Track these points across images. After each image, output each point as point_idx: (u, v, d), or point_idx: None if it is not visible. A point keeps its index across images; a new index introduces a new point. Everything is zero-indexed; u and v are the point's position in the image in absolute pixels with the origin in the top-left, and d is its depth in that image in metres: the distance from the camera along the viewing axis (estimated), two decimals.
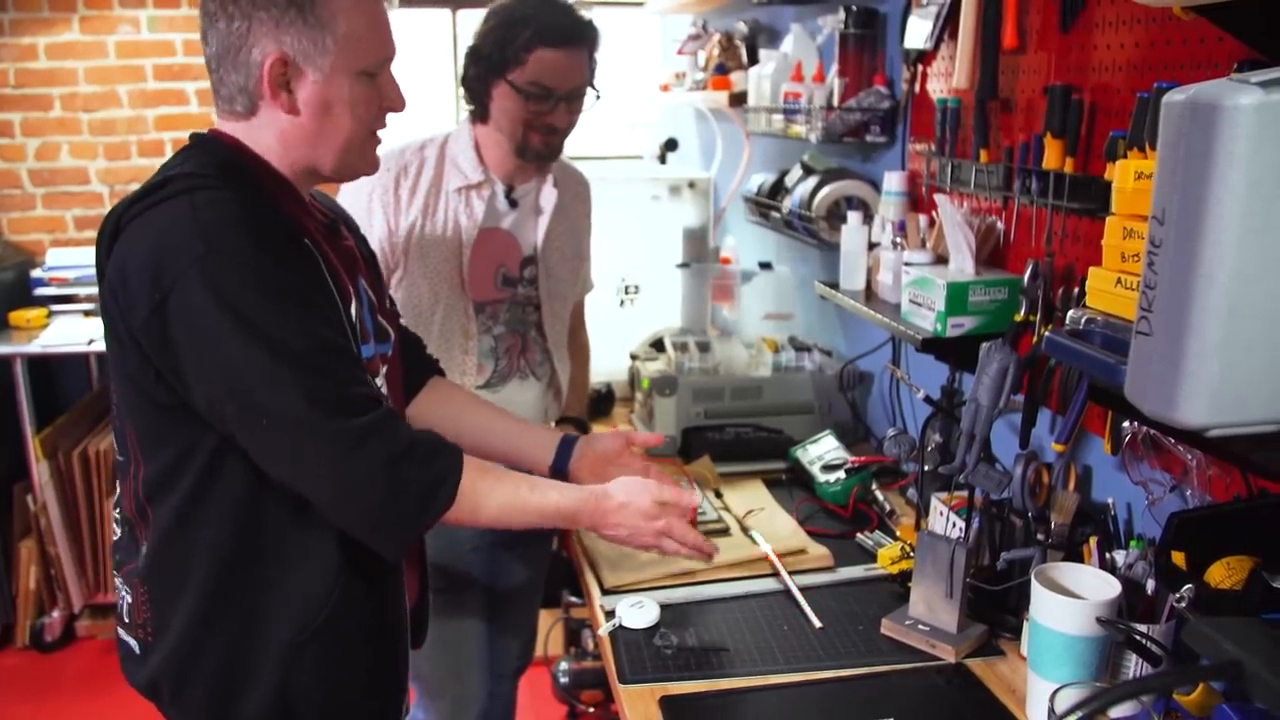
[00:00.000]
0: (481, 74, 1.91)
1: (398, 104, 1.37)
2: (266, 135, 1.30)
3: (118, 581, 1.39)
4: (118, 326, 1.23)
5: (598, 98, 1.98)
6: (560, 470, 1.69)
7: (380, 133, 1.39)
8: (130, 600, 1.37)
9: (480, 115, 1.96)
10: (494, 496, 1.36)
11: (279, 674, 1.31)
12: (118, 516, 1.40)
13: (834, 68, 2.30)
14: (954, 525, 1.70)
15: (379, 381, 1.42)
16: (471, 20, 4.13)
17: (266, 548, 1.29)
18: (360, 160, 1.37)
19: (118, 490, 1.39)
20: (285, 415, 1.19)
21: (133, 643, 1.38)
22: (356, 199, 1.91)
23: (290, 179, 1.33)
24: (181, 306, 1.17)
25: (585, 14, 1.93)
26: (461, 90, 2.00)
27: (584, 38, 1.90)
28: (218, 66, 1.28)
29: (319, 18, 1.25)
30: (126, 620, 1.38)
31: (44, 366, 3.75)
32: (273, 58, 1.24)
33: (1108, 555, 1.41)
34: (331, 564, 1.32)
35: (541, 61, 1.86)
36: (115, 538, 1.41)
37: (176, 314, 1.17)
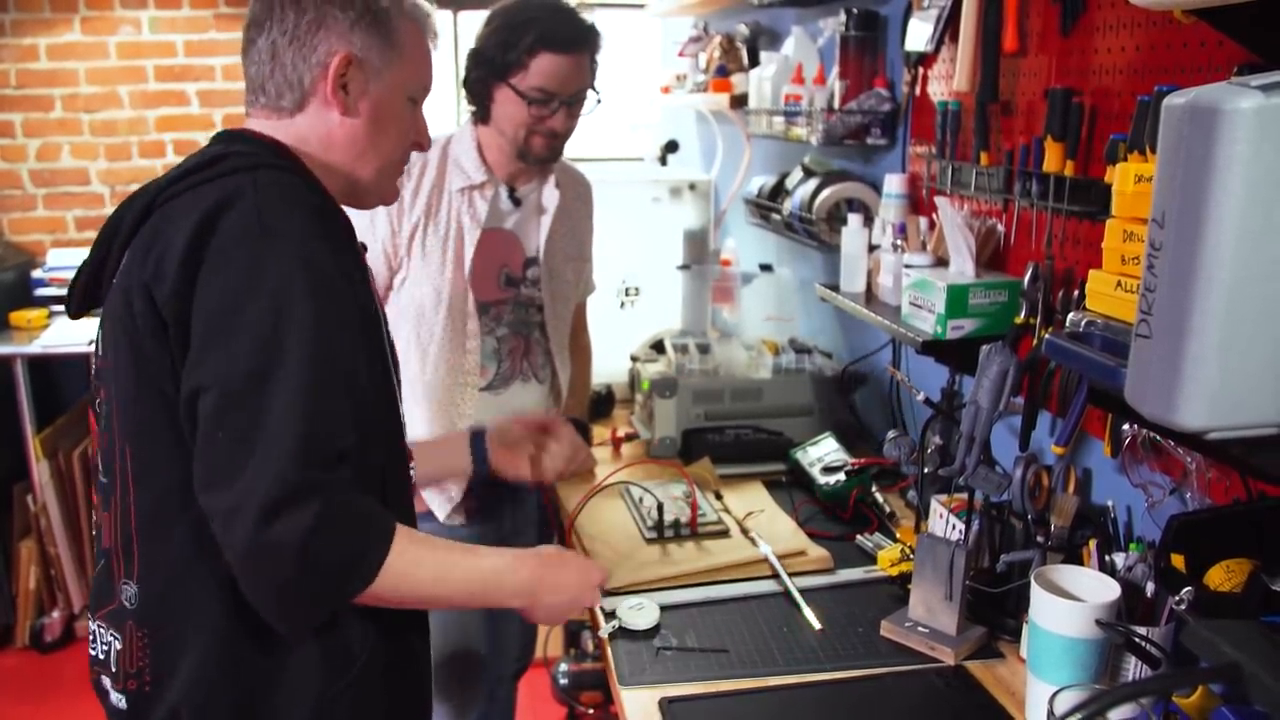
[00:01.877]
0: (484, 77, 1.91)
1: (425, 141, 1.37)
2: (309, 134, 1.26)
3: (94, 626, 1.24)
4: (132, 321, 1.13)
5: (599, 101, 1.98)
6: (483, 472, 1.72)
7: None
8: (120, 645, 1.21)
9: (482, 117, 1.97)
10: (425, 564, 1.19)
11: None
12: (95, 549, 1.26)
13: (835, 70, 2.30)
14: (954, 527, 1.70)
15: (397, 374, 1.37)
16: (473, 22, 4.15)
17: None
18: (390, 184, 1.36)
19: (95, 518, 1.27)
20: (253, 431, 1.05)
21: (119, 698, 1.22)
22: None
23: (323, 183, 1.27)
24: (217, 280, 1.08)
25: (588, 18, 1.93)
26: (463, 92, 2.00)
27: (587, 42, 1.91)
28: (272, 57, 1.23)
29: (389, 32, 1.26)
30: (114, 669, 1.22)
31: (44, 367, 3.75)
32: (342, 55, 1.23)
33: (1107, 558, 1.41)
34: (367, 610, 1.20)
35: (544, 66, 1.86)
36: (94, 572, 1.27)
37: (208, 286, 1.08)
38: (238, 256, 1.09)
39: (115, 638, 1.21)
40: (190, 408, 1.10)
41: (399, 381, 1.35)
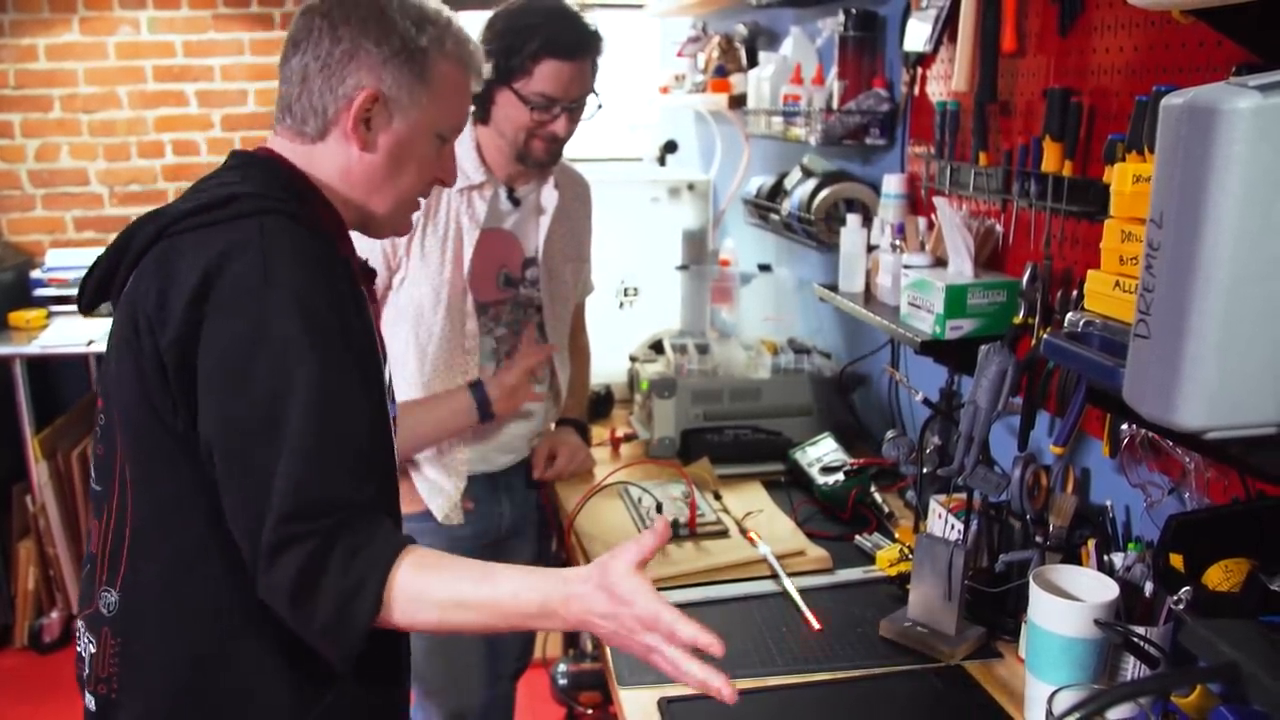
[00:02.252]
0: (486, 81, 1.91)
1: (450, 177, 1.36)
2: (328, 165, 1.25)
3: (79, 625, 1.25)
4: (138, 342, 1.14)
5: (600, 105, 1.99)
6: (489, 416, 1.80)
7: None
8: (94, 650, 1.21)
9: (482, 118, 1.97)
10: (433, 593, 1.13)
11: None
12: (88, 552, 1.26)
13: (833, 70, 2.30)
14: (952, 527, 1.70)
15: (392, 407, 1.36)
16: (473, 23, 4.14)
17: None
18: (404, 218, 1.35)
19: (90, 519, 1.27)
20: (273, 464, 1.08)
21: (89, 700, 1.23)
22: None
23: (340, 212, 1.28)
24: (220, 332, 1.10)
25: (590, 23, 1.93)
26: None
27: (590, 48, 1.90)
28: (303, 80, 1.22)
29: (424, 72, 1.24)
30: (86, 672, 1.23)
31: (43, 367, 3.75)
32: (367, 93, 1.21)
33: (1106, 557, 1.42)
34: None
35: (548, 72, 1.86)
36: (82, 574, 1.28)
37: (212, 338, 1.10)
38: (244, 308, 1.10)
39: (90, 641, 1.22)
40: (209, 452, 1.13)
41: (393, 406, 1.35)
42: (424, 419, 1.92)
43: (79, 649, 1.26)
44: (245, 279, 1.10)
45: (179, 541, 1.17)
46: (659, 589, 1.71)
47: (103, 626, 1.21)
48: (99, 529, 1.22)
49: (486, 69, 1.73)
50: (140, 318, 1.13)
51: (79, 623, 1.26)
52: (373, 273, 1.42)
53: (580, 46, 1.88)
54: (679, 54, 3.41)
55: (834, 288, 2.15)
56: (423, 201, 1.38)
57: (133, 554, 1.19)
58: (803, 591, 1.71)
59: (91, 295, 1.25)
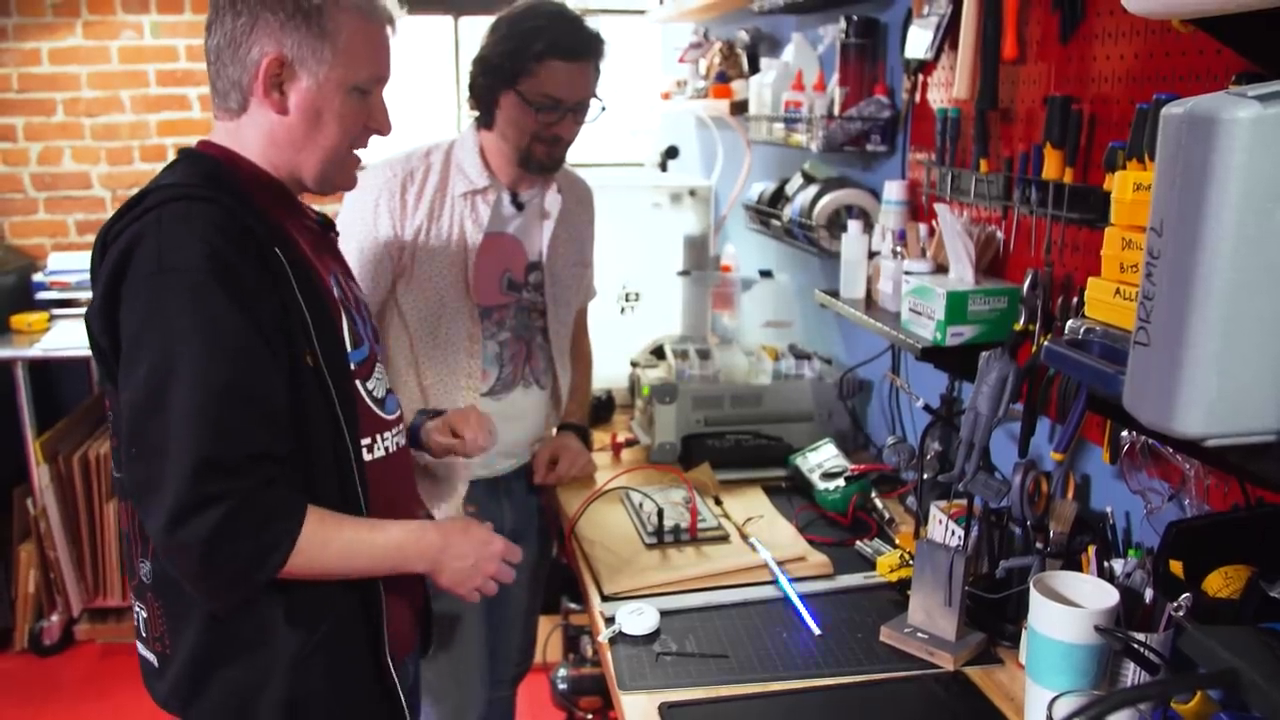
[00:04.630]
0: (490, 84, 1.92)
1: (384, 127, 1.41)
2: (254, 135, 1.33)
3: (133, 595, 1.40)
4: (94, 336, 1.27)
5: (603, 108, 1.99)
6: (415, 427, 1.76)
7: (382, 142, 1.42)
8: (145, 615, 1.37)
9: (486, 122, 1.97)
10: (333, 544, 1.29)
11: (287, 684, 1.31)
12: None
13: (835, 77, 2.31)
14: (953, 533, 1.70)
15: (375, 379, 1.44)
16: (473, 26, 4.16)
17: None
18: (340, 174, 1.40)
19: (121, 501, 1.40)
20: (159, 448, 1.18)
21: (152, 657, 1.38)
22: (363, 204, 1.92)
23: (281, 181, 1.36)
24: (126, 319, 1.20)
25: (593, 26, 1.94)
26: (467, 97, 2.00)
27: (593, 50, 1.91)
28: (216, 59, 1.31)
29: (323, 28, 1.29)
30: (144, 634, 1.39)
31: (45, 370, 3.75)
32: (270, 57, 1.28)
33: (1106, 564, 1.42)
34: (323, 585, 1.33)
35: (552, 73, 1.87)
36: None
37: (122, 326, 1.21)
38: (139, 295, 1.20)
39: (141, 608, 1.37)
40: (116, 428, 1.26)
41: (359, 369, 1.40)
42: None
43: (135, 616, 1.40)
44: (142, 267, 1.20)
45: None
46: (661, 595, 1.74)
47: (147, 593, 1.35)
48: (126, 508, 1.36)
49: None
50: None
51: (133, 593, 1.39)
52: (330, 224, 1.48)
53: (584, 48, 1.89)
54: (681, 60, 3.42)
55: (835, 294, 2.15)
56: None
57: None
58: (803, 597, 1.71)
59: None
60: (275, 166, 1.35)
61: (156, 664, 1.37)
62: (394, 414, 1.51)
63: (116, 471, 1.35)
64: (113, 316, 1.22)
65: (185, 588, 1.26)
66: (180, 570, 1.24)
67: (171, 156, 4.03)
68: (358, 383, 1.39)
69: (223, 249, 1.21)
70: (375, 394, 1.44)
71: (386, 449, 1.46)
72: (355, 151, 1.41)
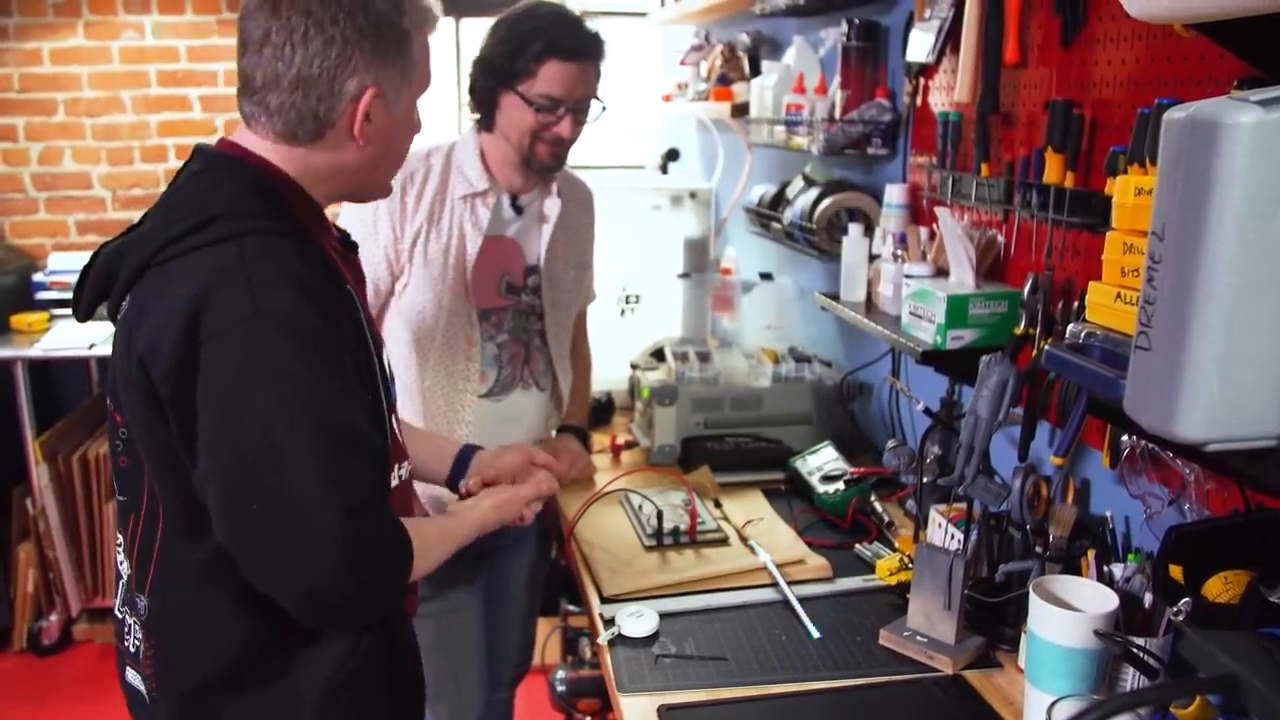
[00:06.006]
0: (491, 84, 1.92)
1: (419, 125, 1.37)
2: (318, 162, 1.24)
3: (127, 618, 1.31)
4: (136, 371, 1.16)
5: (603, 109, 1.99)
6: (455, 483, 1.69)
7: None
8: (140, 644, 1.29)
9: (486, 124, 1.97)
10: (431, 551, 1.32)
11: None
12: (119, 556, 1.32)
13: (836, 80, 2.31)
14: (952, 537, 1.70)
15: (395, 421, 1.39)
16: (475, 28, 4.16)
17: None
18: (390, 182, 1.38)
19: (116, 528, 1.34)
20: (289, 498, 1.09)
21: (142, 689, 1.30)
22: (362, 207, 1.91)
23: (317, 200, 1.28)
24: (214, 365, 1.11)
25: (592, 27, 1.94)
26: (468, 99, 2.01)
27: (592, 50, 1.91)
28: (293, 87, 1.18)
29: (408, 55, 1.24)
30: (139, 660, 1.29)
31: (44, 370, 3.75)
32: (372, 92, 1.20)
33: (1106, 568, 1.42)
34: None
35: (551, 73, 1.87)
36: (122, 577, 1.32)
37: (207, 372, 1.11)
38: (237, 339, 1.11)
39: (139, 636, 1.29)
40: (204, 486, 1.13)
41: (392, 403, 1.36)
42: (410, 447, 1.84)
43: (128, 644, 1.31)
44: (233, 310, 1.11)
45: (202, 556, 1.20)
46: (660, 597, 1.75)
47: (143, 627, 1.27)
48: (127, 537, 1.28)
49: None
50: (135, 348, 1.15)
51: (127, 614, 1.30)
52: (354, 245, 1.42)
53: (583, 47, 1.89)
54: (682, 62, 3.42)
55: (835, 297, 2.15)
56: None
57: (161, 564, 1.24)
58: (802, 600, 1.71)
59: (86, 309, 1.27)
60: (332, 189, 1.28)
61: (147, 700, 1.29)
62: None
63: (122, 495, 1.28)
64: (190, 356, 1.11)
65: (320, 622, 1.21)
66: (341, 614, 1.17)
67: (173, 157, 4.07)
68: (392, 419, 1.35)
69: (310, 286, 1.15)
70: (399, 429, 1.41)
71: (400, 476, 1.41)
72: None
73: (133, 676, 1.31)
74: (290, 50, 1.17)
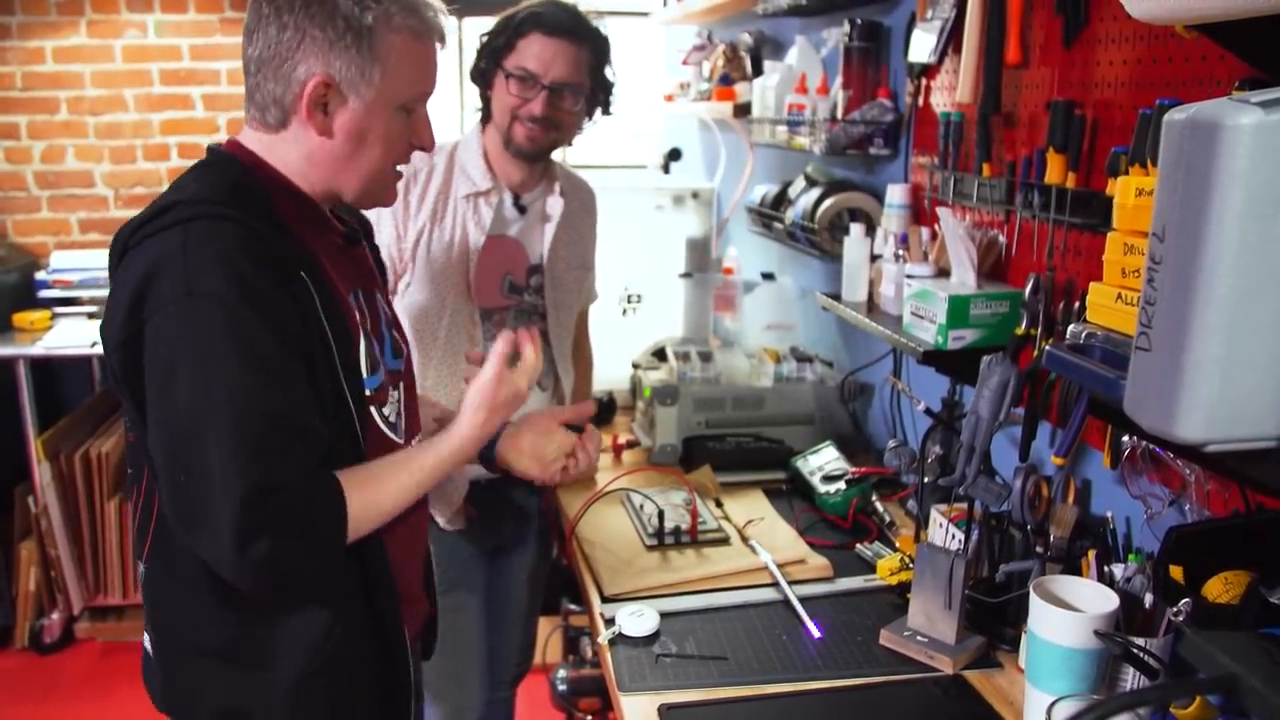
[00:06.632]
0: (485, 69, 1.95)
1: (427, 142, 1.36)
2: (292, 151, 1.28)
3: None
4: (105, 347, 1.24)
5: (604, 111, 1.99)
6: (488, 457, 1.65)
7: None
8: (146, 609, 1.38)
9: (486, 115, 1.99)
10: (383, 503, 1.28)
11: (287, 711, 1.29)
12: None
13: (838, 80, 2.31)
14: (953, 537, 1.71)
15: (390, 404, 1.39)
16: (477, 28, 4.16)
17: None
18: (382, 191, 1.36)
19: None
20: (204, 474, 1.14)
21: (149, 649, 1.38)
22: None
23: (311, 196, 1.32)
24: (152, 341, 1.17)
25: (593, 20, 1.95)
26: (476, 90, 2.02)
27: (577, 32, 1.91)
28: (257, 71, 1.25)
29: (373, 50, 1.24)
30: (148, 623, 1.39)
31: (47, 368, 3.76)
32: (317, 79, 1.22)
33: (1106, 568, 1.42)
34: (332, 597, 1.30)
35: (530, 47, 1.89)
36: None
37: (148, 347, 1.17)
38: (170, 318, 1.16)
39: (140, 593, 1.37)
40: (154, 458, 1.20)
41: (366, 393, 1.34)
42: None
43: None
44: (170, 289, 1.15)
45: None
46: (661, 596, 1.74)
47: (144, 586, 1.35)
48: (131, 507, 1.35)
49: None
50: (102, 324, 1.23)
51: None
52: (357, 233, 1.44)
53: (566, 26, 1.90)
54: (684, 62, 3.42)
55: (837, 297, 2.16)
56: (418, 174, 1.55)
57: (158, 535, 1.29)
58: (803, 600, 1.71)
59: None
60: (311, 183, 1.30)
61: (152, 661, 1.38)
62: (406, 438, 1.45)
63: (130, 466, 1.34)
64: (135, 333, 1.18)
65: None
66: (253, 589, 1.21)
67: (175, 156, 4.07)
68: (372, 409, 1.35)
69: (248, 271, 1.17)
70: (389, 418, 1.39)
71: None
72: (399, 167, 1.36)
73: (145, 639, 1.39)
74: (260, 36, 1.24)
